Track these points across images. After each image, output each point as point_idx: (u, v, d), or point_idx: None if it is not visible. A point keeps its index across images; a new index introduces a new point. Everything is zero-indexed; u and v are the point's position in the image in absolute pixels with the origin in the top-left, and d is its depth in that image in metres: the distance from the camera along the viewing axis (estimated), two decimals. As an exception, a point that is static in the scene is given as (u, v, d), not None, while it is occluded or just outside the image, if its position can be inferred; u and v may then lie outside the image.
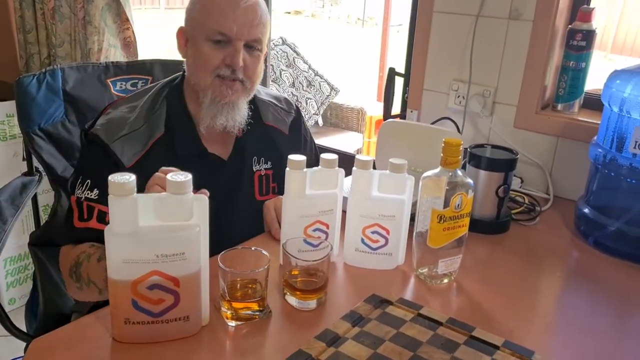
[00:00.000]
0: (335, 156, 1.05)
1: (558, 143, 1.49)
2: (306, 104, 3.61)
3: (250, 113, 1.21)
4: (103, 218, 1.09)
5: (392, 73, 1.77)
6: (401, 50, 1.76)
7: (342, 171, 1.07)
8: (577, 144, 1.45)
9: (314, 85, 3.69)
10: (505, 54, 1.51)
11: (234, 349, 0.86)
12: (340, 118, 3.87)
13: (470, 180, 1.02)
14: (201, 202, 0.83)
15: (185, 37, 1.19)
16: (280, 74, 3.55)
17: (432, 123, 1.59)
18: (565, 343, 0.92)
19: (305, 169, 1.03)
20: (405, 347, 0.81)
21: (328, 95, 3.72)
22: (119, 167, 1.09)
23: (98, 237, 1.05)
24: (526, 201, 1.40)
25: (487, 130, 1.59)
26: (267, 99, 1.32)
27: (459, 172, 1.01)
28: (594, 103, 1.51)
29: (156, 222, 0.81)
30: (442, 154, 1.01)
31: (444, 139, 1.00)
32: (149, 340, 0.85)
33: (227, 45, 1.13)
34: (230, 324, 0.90)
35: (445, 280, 1.06)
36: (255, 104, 1.26)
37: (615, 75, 1.21)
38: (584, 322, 0.98)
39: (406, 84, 1.74)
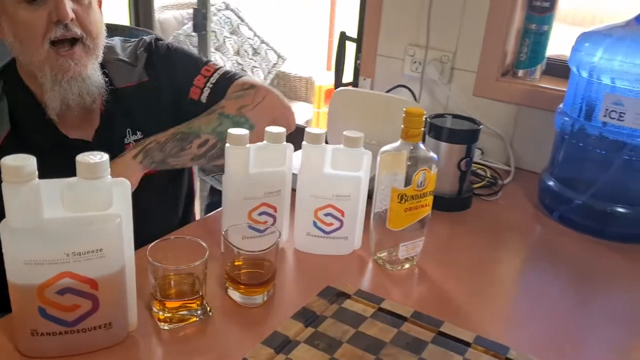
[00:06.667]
0: (282, 129, 0.92)
1: (519, 112, 1.41)
2: (252, 72, 3.44)
3: (106, 79, 1.01)
4: None
5: (343, 37, 1.64)
6: (353, 13, 1.63)
7: (290, 146, 0.94)
8: (540, 113, 1.37)
9: (259, 53, 3.51)
10: (464, 16, 1.40)
11: (168, 358, 0.74)
12: (288, 87, 3.72)
13: (433, 155, 0.91)
14: (122, 187, 0.69)
15: None
16: (224, 42, 3.36)
17: (387, 91, 1.48)
18: (537, 329, 0.83)
19: (248, 145, 0.90)
20: (367, 349, 0.70)
21: (275, 64, 3.56)
22: None
23: None
24: (488, 174, 1.31)
25: (445, 98, 1.49)
26: (116, 58, 1.07)
27: (421, 146, 0.91)
28: (555, 69, 1.43)
29: (66, 214, 0.67)
30: (402, 126, 0.89)
31: (405, 109, 0.89)
32: (64, 354, 0.71)
33: (45, 0, 0.90)
34: (163, 327, 0.78)
35: (407, 266, 0.96)
36: (106, 69, 1.04)
37: (584, 37, 1.12)
38: (552, 304, 0.90)
39: (358, 50, 1.61)
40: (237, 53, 3.42)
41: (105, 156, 0.67)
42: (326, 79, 3.72)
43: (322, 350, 0.70)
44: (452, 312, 0.85)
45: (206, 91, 1.08)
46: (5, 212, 0.64)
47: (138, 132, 1.06)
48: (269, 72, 3.53)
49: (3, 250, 0.65)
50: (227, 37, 3.38)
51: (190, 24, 3.01)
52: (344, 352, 0.70)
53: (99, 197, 0.67)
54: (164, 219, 1.13)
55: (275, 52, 3.56)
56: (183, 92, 1.09)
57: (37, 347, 0.70)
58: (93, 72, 0.97)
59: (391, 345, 0.71)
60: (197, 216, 1.45)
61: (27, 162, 0.63)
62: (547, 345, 0.80)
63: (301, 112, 3.62)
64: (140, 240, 0.78)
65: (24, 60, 0.95)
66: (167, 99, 1.08)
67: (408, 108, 0.89)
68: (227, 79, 1.09)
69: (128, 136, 1.05)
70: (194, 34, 2.51)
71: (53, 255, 0.66)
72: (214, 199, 1.95)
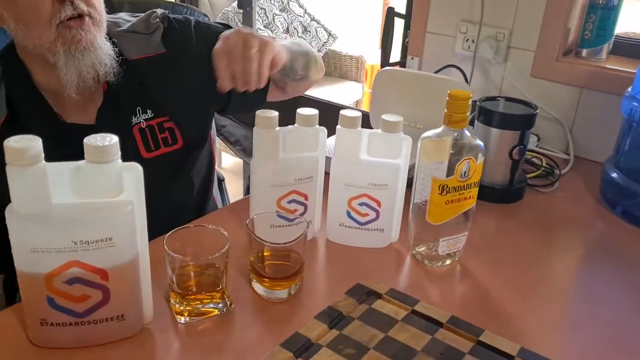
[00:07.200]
0: (314, 111, 0.85)
1: (582, 95, 1.28)
2: (302, 51, 3.36)
3: (116, 49, 0.95)
4: None
5: (391, 14, 1.54)
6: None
7: (323, 130, 0.87)
8: (605, 97, 1.24)
9: (310, 31, 3.43)
10: (523, -11, 1.29)
11: (184, 354, 0.70)
12: (338, 66, 3.63)
13: (480, 142, 0.83)
14: (134, 172, 0.64)
15: None
16: (274, 19, 3.30)
17: (436, 72, 1.38)
18: (592, 341, 0.74)
19: (277, 128, 0.84)
20: (395, 357, 0.64)
21: (325, 42, 3.47)
22: None
23: None
24: (544, 163, 1.20)
25: (499, 79, 1.38)
26: (124, 29, 1.01)
27: (467, 133, 0.82)
28: (625, 48, 1.30)
29: (74, 200, 0.63)
30: (446, 110, 0.81)
31: (448, 91, 0.80)
32: (75, 345, 0.68)
33: None
34: (180, 320, 0.73)
35: (447, 262, 0.88)
36: (111, 41, 0.97)
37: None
38: (612, 312, 0.80)
39: (407, 27, 1.52)
40: (287, 31, 3.36)
41: (114, 138, 0.62)
42: (378, 58, 3.60)
43: (345, 357, 0.64)
44: (495, 318, 0.77)
45: None
46: (10, 197, 0.61)
47: (149, 111, 0.99)
48: (319, 51, 3.45)
49: (10, 237, 0.62)
50: (276, 15, 3.32)
51: (239, 1, 2.96)
52: (370, 359, 0.63)
53: (108, 183, 0.63)
54: (177, 201, 1.08)
55: (325, 30, 3.47)
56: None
57: (47, 337, 0.67)
58: (103, 43, 0.92)
59: (423, 354, 0.64)
60: (227, 199, 1.40)
61: (32, 143, 0.59)
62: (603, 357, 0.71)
63: (351, 92, 3.54)
64: (152, 224, 0.72)
65: (29, 45, 0.89)
66: (190, 69, 1.02)
67: (452, 90, 0.80)
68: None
69: (138, 115, 0.99)
70: (240, 11, 2.46)
71: (60, 243, 0.62)
72: (255, 181, 1.91)
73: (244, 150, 1.91)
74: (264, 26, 3.22)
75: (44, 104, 0.94)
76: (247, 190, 1.98)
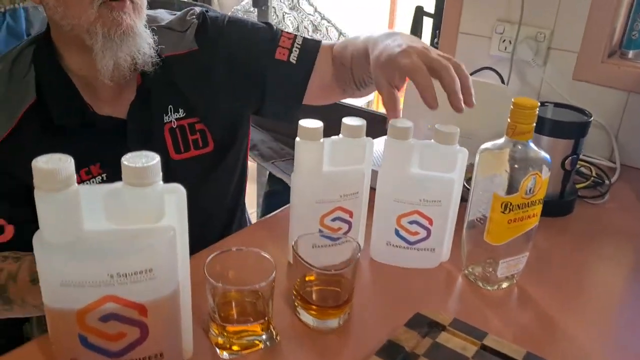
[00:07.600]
0: (362, 122, 0.78)
1: (629, 99, 1.21)
2: (312, 51, 3.28)
3: (155, 38, 0.90)
4: None
5: (420, 13, 1.47)
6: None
7: (371, 141, 0.80)
8: (655, 101, 1.17)
9: (320, 30, 3.36)
10: (565, -14, 1.22)
11: (228, 395, 0.63)
12: (349, 67, 3.55)
13: (545, 155, 0.75)
14: (176, 194, 0.57)
15: None
16: (284, 18, 3.22)
17: (471, 74, 1.30)
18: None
19: (321, 139, 0.77)
20: (472, 403, 0.57)
21: (336, 42, 3.39)
22: None
23: None
24: (593, 173, 1.13)
25: (538, 83, 1.31)
26: (162, 25, 0.97)
27: (532, 145, 0.75)
28: (674, 49, 1.23)
29: (109, 226, 0.55)
30: (509, 120, 0.74)
31: (513, 100, 0.73)
32: (108, 386, 0.61)
33: None
34: (223, 356, 0.66)
35: (505, 285, 0.81)
36: (151, 29, 0.93)
37: None
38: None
39: (437, 27, 1.44)
40: (297, 30, 3.28)
41: (156, 157, 0.54)
42: (389, 58, 3.52)
43: (416, 403, 0.56)
44: (566, 351, 0.69)
45: (295, 52, 0.99)
46: (39, 224, 0.53)
47: (180, 110, 0.94)
48: (329, 50, 3.37)
49: (38, 268, 0.55)
50: (286, 13, 3.24)
51: (249, 0, 2.89)
52: (444, 406, 0.56)
53: (148, 207, 0.55)
54: (207, 208, 1.01)
55: (336, 29, 3.39)
56: (265, 55, 0.98)
57: (78, 378, 0.60)
58: (142, 30, 0.86)
59: (502, 399, 0.57)
60: (248, 205, 1.32)
61: (64, 164, 0.51)
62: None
63: (362, 93, 3.45)
64: None
65: (66, 25, 0.83)
66: (222, 69, 0.97)
67: (517, 99, 0.73)
68: (313, 40, 1.01)
69: (169, 114, 0.93)
70: (252, 10, 2.39)
71: (94, 276, 0.54)
72: (273, 188, 1.83)
73: (261, 155, 1.84)
74: (275, 25, 3.14)
75: (75, 92, 0.88)
76: (264, 197, 1.91)
